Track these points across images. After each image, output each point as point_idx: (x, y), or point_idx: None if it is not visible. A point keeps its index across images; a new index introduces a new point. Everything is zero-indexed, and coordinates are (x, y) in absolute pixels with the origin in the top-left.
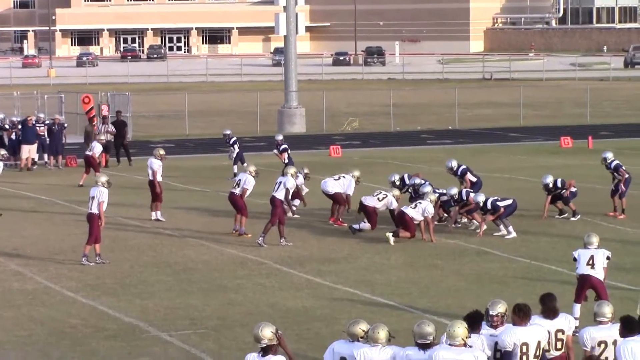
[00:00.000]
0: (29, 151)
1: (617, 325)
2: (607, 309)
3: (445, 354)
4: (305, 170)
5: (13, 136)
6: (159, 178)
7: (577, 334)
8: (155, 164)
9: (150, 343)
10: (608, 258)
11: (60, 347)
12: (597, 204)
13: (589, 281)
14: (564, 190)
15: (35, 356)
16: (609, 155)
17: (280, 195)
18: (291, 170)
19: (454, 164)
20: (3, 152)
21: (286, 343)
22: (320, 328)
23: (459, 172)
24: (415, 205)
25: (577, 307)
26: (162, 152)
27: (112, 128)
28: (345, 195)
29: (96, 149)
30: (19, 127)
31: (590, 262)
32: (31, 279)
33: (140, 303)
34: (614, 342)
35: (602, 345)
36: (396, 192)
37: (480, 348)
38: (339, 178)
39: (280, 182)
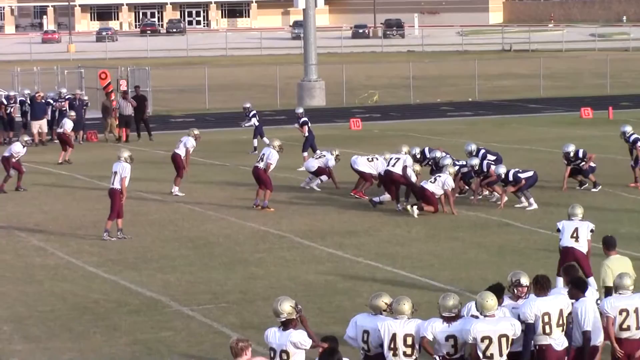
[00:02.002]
0: (39, 126)
1: (638, 295)
2: (629, 281)
3: (482, 326)
4: (337, 152)
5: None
6: (184, 154)
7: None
8: (190, 142)
9: (172, 317)
10: (592, 231)
11: (82, 322)
12: (618, 175)
13: (572, 254)
14: (583, 163)
15: (58, 331)
16: (628, 129)
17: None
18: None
19: (473, 147)
20: (27, 137)
21: (307, 320)
22: (341, 301)
23: (479, 156)
24: (435, 179)
25: (560, 280)
26: (197, 132)
27: (133, 101)
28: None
29: (67, 125)
30: (26, 102)
31: (575, 235)
32: (53, 254)
33: (162, 277)
34: (636, 310)
35: (624, 313)
36: (417, 166)
37: None
38: (372, 160)
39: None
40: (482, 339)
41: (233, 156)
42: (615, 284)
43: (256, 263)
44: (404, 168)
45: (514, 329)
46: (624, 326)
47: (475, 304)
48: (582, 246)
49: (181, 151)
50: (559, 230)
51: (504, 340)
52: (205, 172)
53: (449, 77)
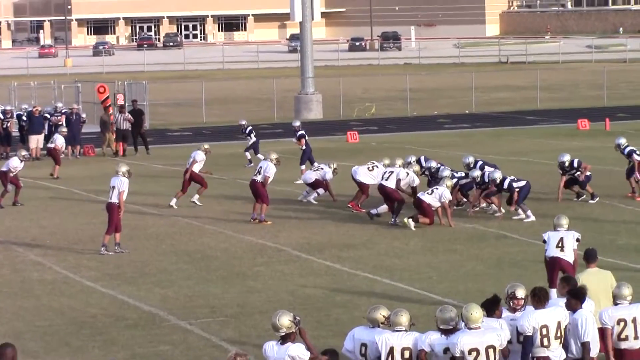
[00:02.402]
0: (37, 141)
1: (637, 305)
2: (627, 291)
3: (468, 339)
4: (334, 165)
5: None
6: (196, 168)
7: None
8: (199, 156)
9: (170, 331)
10: (578, 240)
11: (80, 336)
12: (615, 186)
13: (558, 264)
14: (578, 173)
15: (56, 346)
16: (622, 142)
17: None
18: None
19: (471, 159)
20: (24, 152)
21: (306, 333)
22: (340, 314)
23: (477, 167)
24: (432, 192)
25: (554, 292)
26: (207, 146)
27: (129, 116)
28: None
29: (58, 141)
30: (23, 118)
31: (560, 245)
32: (50, 268)
33: (159, 292)
34: (634, 320)
35: (622, 323)
36: (416, 167)
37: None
38: (372, 168)
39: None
40: (470, 352)
41: (230, 169)
42: (614, 294)
43: (254, 276)
44: (398, 182)
45: (501, 339)
46: (622, 336)
47: (461, 316)
48: (568, 255)
49: (192, 166)
50: (545, 242)
51: (491, 351)
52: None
53: (446, 89)
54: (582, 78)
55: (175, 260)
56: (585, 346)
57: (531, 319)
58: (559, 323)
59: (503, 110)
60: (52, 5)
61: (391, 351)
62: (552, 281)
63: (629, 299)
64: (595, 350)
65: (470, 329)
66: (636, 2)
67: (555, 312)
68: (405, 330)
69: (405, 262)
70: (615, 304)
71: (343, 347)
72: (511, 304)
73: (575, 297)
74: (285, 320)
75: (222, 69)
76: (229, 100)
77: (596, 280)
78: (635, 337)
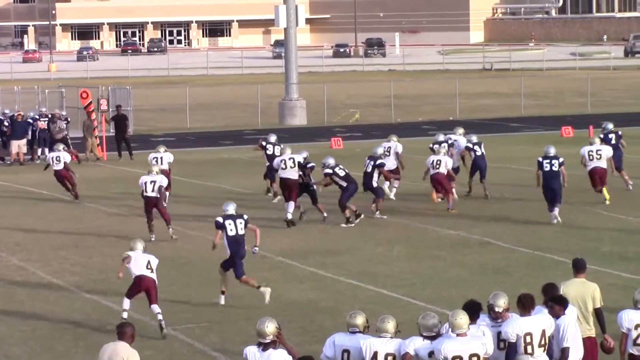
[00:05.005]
0: (18, 146)
1: None
2: None
3: (453, 345)
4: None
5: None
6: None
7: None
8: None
9: (153, 337)
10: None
11: (63, 341)
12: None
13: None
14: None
15: (39, 351)
16: (610, 126)
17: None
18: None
19: (441, 137)
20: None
21: (283, 336)
22: (324, 320)
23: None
24: (439, 164)
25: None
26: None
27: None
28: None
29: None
30: (5, 123)
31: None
32: (34, 274)
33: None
34: None
35: (639, 329)
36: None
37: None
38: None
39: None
40: (453, 358)
41: (214, 175)
42: (636, 299)
43: (237, 282)
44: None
45: (485, 348)
46: (638, 342)
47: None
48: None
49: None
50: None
51: (474, 359)
52: (186, 191)
53: (430, 95)
54: (566, 85)
55: (158, 265)
56: (563, 352)
57: (515, 326)
58: (543, 331)
59: (487, 117)
60: (36, 10)
61: (375, 356)
62: None
63: None
64: (576, 356)
65: (456, 335)
66: (620, 9)
67: (541, 319)
68: (391, 337)
69: (389, 268)
70: (637, 308)
71: (322, 354)
72: (495, 316)
73: (558, 303)
74: (272, 327)
75: (207, 75)
76: (213, 106)
77: (577, 291)
78: None
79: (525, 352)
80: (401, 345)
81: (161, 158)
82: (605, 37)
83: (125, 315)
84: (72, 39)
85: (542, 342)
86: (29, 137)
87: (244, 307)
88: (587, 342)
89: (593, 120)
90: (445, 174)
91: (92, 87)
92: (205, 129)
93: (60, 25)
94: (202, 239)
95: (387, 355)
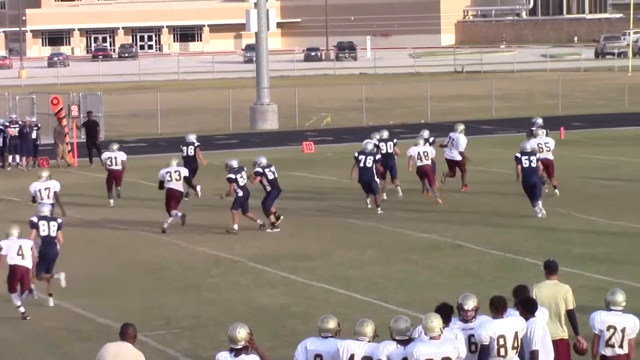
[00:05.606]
0: None
1: (629, 315)
2: (621, 297)
3: (425, 348)
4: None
5: None
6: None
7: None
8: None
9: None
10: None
11: (35, 349)
12: (569, 195)
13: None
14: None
15: (11, 359)
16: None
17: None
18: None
19: (426, 134)
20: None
21: (254, 342)
22: (295, 325)
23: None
24: (426, 155)
25: None
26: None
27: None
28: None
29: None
30: None
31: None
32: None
33: (114, 303)
34: (623, 330)
35: (611, 330)
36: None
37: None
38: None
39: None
40: None
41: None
42: (608, 300)
43: (209, 288)
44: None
45: (458, 352)
46: (610, 343)
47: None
48: None
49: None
50: None
51: None
52: (157, 196)
53: (402, 99)
54: (537, 87)
55: (129, 272)
56: (533, 355)
57: (489, 329)
58: (516, 333)
59: (459, 119)
60: (6, 16)
61: (351, 358)
62: None
63: (623, 304)
64: (547, 359)
65: (429, 338)
66: (591, 11)
67: (513, 321)
68: (368, 341)
69: (361, 273)
70: (609, 309)
71: (294, 359)
72: (465, 315)
73: (524, 307)
74: (244, 333)
75: (178, 80)
76: (184, 111)
77: (550, 293)
78: (621, 346)
79: (499, 354)
80: (375, 350)
81: (115, 158)
82: (576, 38)
83: (22, 309)
84: (42, 45)
85: (515, 345)
86: (0, 144)
87: (215, 312)
88: (560, 344)
89: (564, 122)
90: (431, 164)
91: (63, 93)
92: (177, 134)
93: (31, 31)
94: (173, 245)
95: (364, 357)
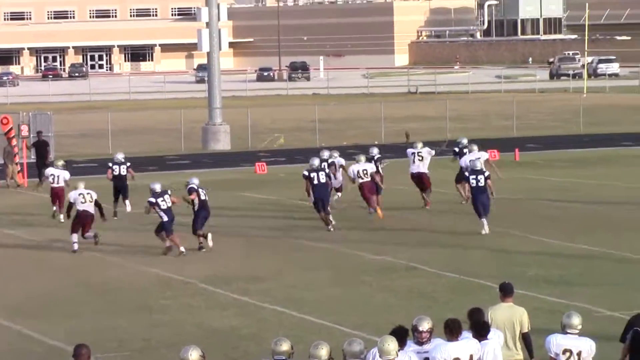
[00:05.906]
0: None
1: (585, 338)
2: (577, 320)
3: None
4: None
5: None
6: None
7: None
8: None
9: None
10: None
11: None
12: (524, 217)
13: None
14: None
15: None
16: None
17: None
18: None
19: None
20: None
21: None
22: (247, 346)
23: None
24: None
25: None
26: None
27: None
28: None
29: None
30: None
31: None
32: None
33: (66, 325)
34: (579, 354)
35: (567, 354)
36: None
37: None
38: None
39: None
40: None
41: (135, 201)
42: (564, 323)
43: (161, 309)
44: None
45: None
46: None
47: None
48: None
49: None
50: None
51: None
52: (109, 217)
53: (355, 119)
54: (492, 108)
55: (80, 292)
56: None
57: (443, 351)
58: (471, 356)
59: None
60: None
61: None
62: None
63: (579, 327)
64: None
65: None
66: (545, 32)
67: (468, 344)
68: None
69: (315, 295)
70: (565, 333)
71: None
72: (419, 337)
73: (475, 330)
74: (196, 355)
75: (129, 100)
76: (135, 131)
77: (505, 315)
78: None
79: None
80: None
81: (58, 176)
82: (530, 59)
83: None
84: None
85: None
86: None
87: (166, 334)
88: None
89: (519, 143)
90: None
91: (13, 113)
92: (128, 155)
93: None
94: (125, 266)
95: None
